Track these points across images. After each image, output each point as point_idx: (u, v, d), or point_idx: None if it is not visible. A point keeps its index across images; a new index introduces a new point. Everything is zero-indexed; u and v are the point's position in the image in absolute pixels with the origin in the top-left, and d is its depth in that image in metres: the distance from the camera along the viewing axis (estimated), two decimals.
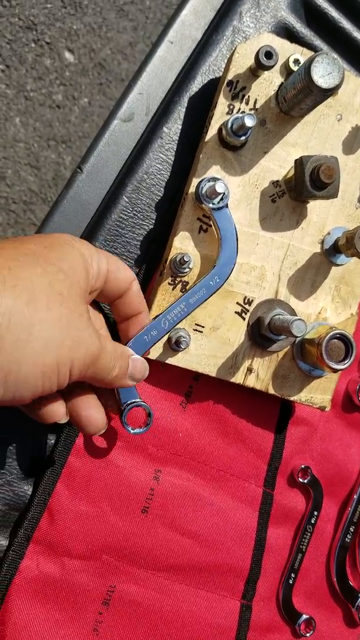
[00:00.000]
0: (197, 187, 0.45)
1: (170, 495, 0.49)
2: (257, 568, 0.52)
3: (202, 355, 0.48)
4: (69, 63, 1.27)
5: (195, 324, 0.47)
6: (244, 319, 0.48)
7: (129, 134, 0.51)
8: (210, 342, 0.48)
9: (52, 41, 1.22)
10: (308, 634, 0.54)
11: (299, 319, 0.44)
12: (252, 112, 0.47)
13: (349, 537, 0.56)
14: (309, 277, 0.50)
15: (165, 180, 0.50)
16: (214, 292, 0.46)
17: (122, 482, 0.48)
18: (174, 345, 0.46)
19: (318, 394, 0.50)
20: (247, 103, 0.47)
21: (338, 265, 0.50)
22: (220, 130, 0.47)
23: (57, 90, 1.25)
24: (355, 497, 0.56)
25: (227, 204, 0.45)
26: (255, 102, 0.48)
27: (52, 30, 1.21)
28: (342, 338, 0.47)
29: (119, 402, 0.44)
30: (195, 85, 0.52)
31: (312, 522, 0.55)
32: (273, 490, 0.54)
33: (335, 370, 0.46)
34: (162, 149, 0.50)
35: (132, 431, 0.44)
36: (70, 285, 0.36)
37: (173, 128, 0.51)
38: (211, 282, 0.45)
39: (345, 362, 0.46)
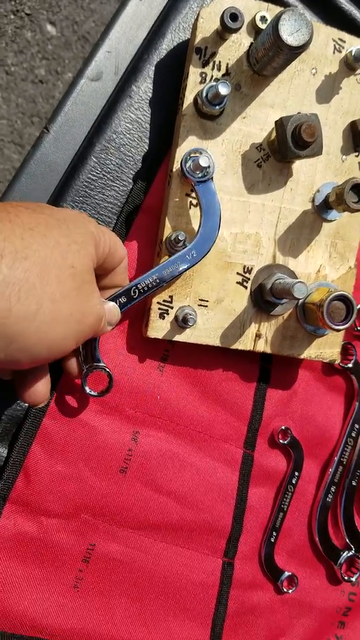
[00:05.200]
0: (182, 161, 0.45)
1: (148, 455, 0.49)
2: (239, 526, 0.53)
3: (210, 328, 0.48)
4: (51, 36, 1.24)
5: (200, 299, 0.48)
6: (245, 287, 0.49)
7: (98, 93, 0.51)
8: (217, 314, 0.48)
9: (32, 12, 1.20)
10: (290, 591, 0.55)
11: (300, 282, 0.44)
12: (225, 78, 0.46)
13: (330, 496, 0.56)
14: (304, 237, 0.50)
15: (135, 139, 0.50)
16: (190, 267, 0.45)
17: (99, 443, 0.48)
18: (182, 323, 0.47)
19: (327, 348, 0.52)
20: (218, 69, 0.47)
21: (331, 221, 0.50)
22: (195, 100, 0.46)
23: (40, 64, 1.23)
24: (336, 458, 0.57)
25: (212, 177, 0.45)
26: (227, 67, 0.47)
27: (31, 1, 1.19)
28: (343, 299, 0.47)
29: (81, 363, 0.44)
30: (166, 43, 0.51)
31: (293, 482, 0.55)
32: (253, 451, 0.54)
33: (337, 330, 0.47)
34: (131, 108, 0.50)
35: (91, 393, 0.45)
36: (82, 258, 0.36)
37: (142, 87, 0.50)
38: (187, 256, 0.45)
39: (347, 321, 0.47)
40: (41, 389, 0.40)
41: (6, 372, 0.40)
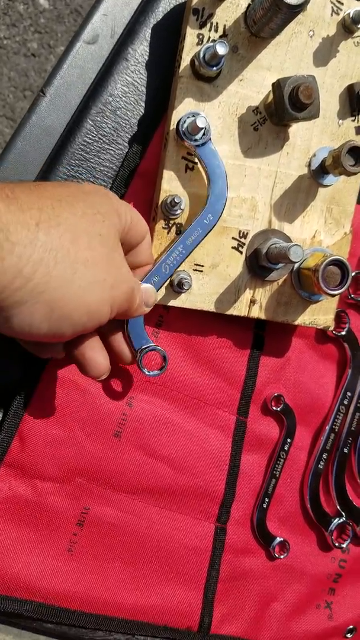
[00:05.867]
0: (178, 124, 0.44)
1: (143, 420, 0.49)
2: (231, 492, 0.53)
3: (205, 293, 0.48)
4: (43, 9, 1.22)
5: (195, 264, 0.48)
6: (241, 252, 0.49)
7: (94, 56, 0.50)
8: (212, 279, 0.48)
9: None
10: (282, 556, 0.56)
11: (296, 245, 0.44)
12: (223, 39, 0.46)
13: (322, 464, 0.57)
14: (300, 202, 0.50)
15: (132, 102, 0.49)
16: (210, 231, 0.46)
17: (94, 408, 0.48)
18: (177, 288, 0.47)
19: (321, 315, 0.52)
20: (216, 30, 0.46)
21: (327, 186, 0.50)
22: (192, 62, 0.45)
23: (32, 38, 1.21)
24: (327, 426, 0.57)
25: (209, 139, 0.45)
26: (224, 28, 0.46)
27: None
28: (338, 263, 0.47)
29: (131, 347, 0.45)
30: (162, 5, 0.50)
31: (286, 449, 0.55)
32: (246, 417, 0.54)
33: (333, 295, 0.48)
34: (127, 71, 0.49)
35: (148, 373, 0.46)
36: (108, 227, 0.37)
37: (139, 49, 0.49)
38: (205, 221, 0.45)
39: (342, 286, 0.47)
40: (101, 360, 0.41)
41: (58, 349, 0.41)
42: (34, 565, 0.46)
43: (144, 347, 0.45)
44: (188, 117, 0.44)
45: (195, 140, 0.44)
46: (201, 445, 0.52)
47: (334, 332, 0.56)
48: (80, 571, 0.48)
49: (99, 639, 0.49)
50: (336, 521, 0.58)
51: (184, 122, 0.44)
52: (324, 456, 0.57)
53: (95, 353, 0.41)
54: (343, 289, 0.48)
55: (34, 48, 1.21)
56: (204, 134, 0.44)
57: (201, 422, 0.52)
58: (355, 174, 0.46)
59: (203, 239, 0.46)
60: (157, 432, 0.50)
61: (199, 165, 0.46)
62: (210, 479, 0.52)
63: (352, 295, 0.57)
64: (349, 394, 0.57)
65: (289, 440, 0.56)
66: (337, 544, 0.58)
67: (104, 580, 0.49)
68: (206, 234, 0.46)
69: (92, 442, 0.48)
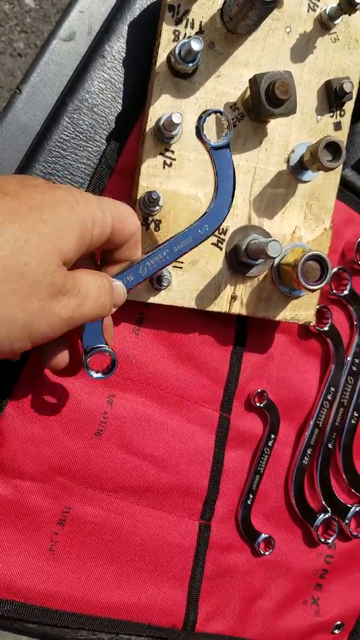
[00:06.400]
0: (199, 120, 0.42)
1: (124, 418, 0.49)
2: (215, 489, 0.53)
3: (186, 290, 0.48)
4: (29, 9, 1.22)
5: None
6: (221, 249, 0.48)
7: (71, 53, 0.50)
8: (192, 276, 0.48)
9: None
10: (267, 553, 0.56)
11: (274, 240, 0.44)
12: (199, 36, 0.46)
13: (307, 459, 0.57)
14: (279, 198, 0.50)
15: (109, 99, 0.49)
16: (202, 242, 0.43)
17: (74, 406, 0.47)
18: (156, 284, 0.46)
19: (302, 310, 0.52)
20: (192, 27, 0.46)
21: (306, 182, 0.50)
22: (169, 58, 0.45)
23: (18, 37, 1.21)
24: (312, 421, 0.57)
25: (228, 144, 0.42)
26: (200, 25, 0.46)
27: None
28: (317, 258, 0.47)
29: (81, 344, 0.42)
30: (139, 2, 0.50)
31: (269, 445, 0.55)
32: (229, 414, 0.54)
33: (312, 291, 0.48)
34: (104, 68, 0.49)
35: (94, 375, 0.42)
36: (42, 255, 0.34)
37: (116, 46, 0.49)
38: (200, 231, 0.42)
39: (321, 281, 0.47)
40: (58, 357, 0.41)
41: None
42: (14, 565, 0.46)
43: (93, 346, 0.42)
44: (166, 115, 0.44)
45: (212, 142, 0.42)
46: (184, 443, 0.52)
47: (316, 327, 0.56)
48: (62, 570, 0.48)
49: (82, 639, 0.49)
50: (322, 517, 0.58)
51: (205, 118, 0.42)
52: (309, 452, 0.57)
53: (55, 348, 0.40)
54: (323, 284, 0.48)
55: (20, 48, 1.20)
56: (224, 136, 0.41)
57: (184, 420, 0.52)
58: (332, 169, 0.46)
59: (192, 249, 0.43)
60: (139, 430, 0.50)
61: (211, 168, 0.43)
62: (194, 476, 0.52)
63: (334, 291, 0.57)
64: (332, 389, 0.57)
65: (272, 436, 0.55)
66: (322, 540, 0.58)
67: (86, 579, 0.49)
68: (197, 245, 0.43)
69: (73, 440, 0.47)
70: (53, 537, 0.47)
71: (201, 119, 0.42)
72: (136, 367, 0.50)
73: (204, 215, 0.43)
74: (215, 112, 0.42)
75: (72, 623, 0.48)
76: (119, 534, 0.50)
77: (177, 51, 0.44)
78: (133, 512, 0.50)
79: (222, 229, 0.48)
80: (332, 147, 0.46)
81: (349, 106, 0.50)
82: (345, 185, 0.57)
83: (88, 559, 0.49)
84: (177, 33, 0.46)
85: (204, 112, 0.42)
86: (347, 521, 0.59)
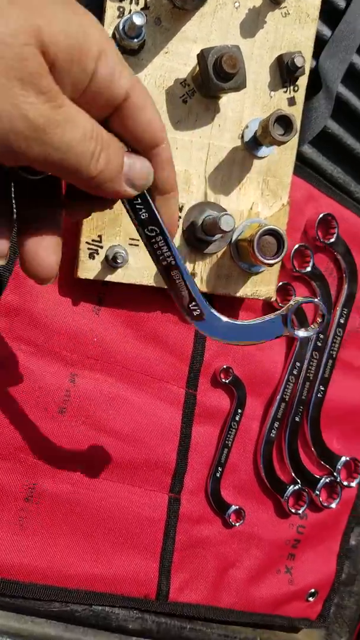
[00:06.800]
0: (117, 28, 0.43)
1: (88, 396, 0.50)
2: (183, 463, 0.54)
3: (143, 267, 0.48)
4: None
5: (130, 238, 0.48)
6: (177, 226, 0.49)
7: None
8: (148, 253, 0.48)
9: None
10: (238, 524, 0.57)
11: (226, 214, 0.45)
12: (145, 12, 0.46)
13: (274, 432, 0.58)
14: (235, 174, 0.50)
15: None
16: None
17: (35, 385, 0.48)
18: (112, 262, 0.47)
19: (262, 286, 0.52)
20: (137, 3, 0.46)
21: (261, 158, 0.50)
22: (114, 35, 0.45)
23: None
24: (278, 396, 0.58)
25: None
26: (145, 1, 0.46)
27: None
28: (273, 233, 0.48)
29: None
30: None
31: (237, 419, 0.56)
32: (196, 390, 0.55)
33: (270, 265, 0.48)
34: None
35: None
36: (11, 25, 0.25)
37: None
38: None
39: (278, 255, 0.48)
40: (46, 259, 0.31)
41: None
42: None
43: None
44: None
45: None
46: (151, 419, 0.53)
47: (280, 304, 0.57)
48: (32, 544, 0.49)
49: (56, 610, 0.50)
50: (291, 488, 0.59)
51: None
52: (276, 425, 0.58)
53: (41, 250, 0.31)
54: (279, 259, 0.48)
55: None
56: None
57: (150, 396, 0.53)
58: (284, 142, 0.47)
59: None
60: (105, 408, 0.51)
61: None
62: (162, 451, 0.53)
63: (297, 269, 0.57)
64: (298, 364, 0.58)
65: (239, 410, 0.56)
66: (293, 511, 0.59)
67: (57, 552, 0.50)
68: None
69: (36, 419, 0.48)
70: (20, 514, 0.48)
71: (290, 310, 0.38)
72: (98, 345, 0.51)
73: None
74: (308, 301, 0.40)
75: (44, 595, 0.49)
76: (88, 508, 0.51)
77: (121, 27, 0.44)
78: (102, 486, 0.51)
79: (178, 205, 0.49)
80: (284, 121, 0.47)
81: (303, 82, 0.50)
82: (304, 162, 0.57)
83: (59, 532, 0.50)
84: (121, 9, 0.46)
85: (295, 301, 0.39)
86: (317, 492, 0.60)
